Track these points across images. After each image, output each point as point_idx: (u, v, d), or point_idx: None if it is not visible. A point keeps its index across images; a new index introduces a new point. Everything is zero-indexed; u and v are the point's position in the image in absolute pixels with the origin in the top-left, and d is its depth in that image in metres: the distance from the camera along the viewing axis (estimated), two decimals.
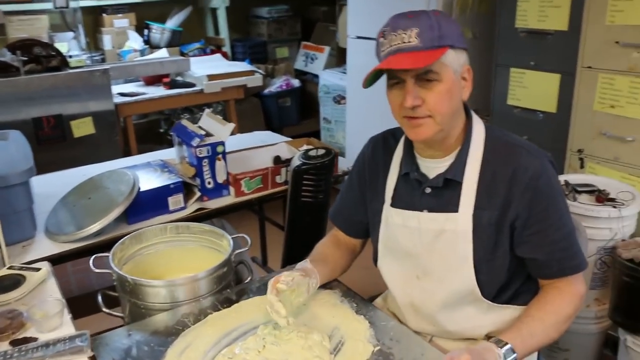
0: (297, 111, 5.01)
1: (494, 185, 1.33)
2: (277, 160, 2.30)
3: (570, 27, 2.59)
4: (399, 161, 1.46)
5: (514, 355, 1.23)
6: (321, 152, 2.11)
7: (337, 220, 1.67)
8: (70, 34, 4.25)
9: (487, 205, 1.33)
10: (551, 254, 1.34)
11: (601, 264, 2.13)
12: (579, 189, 2.17)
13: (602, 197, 2.11)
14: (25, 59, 3.21)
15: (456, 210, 1.35)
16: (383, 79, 1.33)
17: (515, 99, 2.92)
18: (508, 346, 1.24)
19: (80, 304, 1.68)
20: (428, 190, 1.39)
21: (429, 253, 1.40)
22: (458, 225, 1.34)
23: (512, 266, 1.38)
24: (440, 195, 1.37)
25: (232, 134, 2.13)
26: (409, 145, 1.44)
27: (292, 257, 2.15)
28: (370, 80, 1.32)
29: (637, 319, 1.94)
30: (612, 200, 2.10)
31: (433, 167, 1.39)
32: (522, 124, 2.86)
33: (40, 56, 3.29)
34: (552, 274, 1.36)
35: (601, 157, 2.49)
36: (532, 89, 2.84)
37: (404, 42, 1.24)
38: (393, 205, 1.45)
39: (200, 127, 2.19)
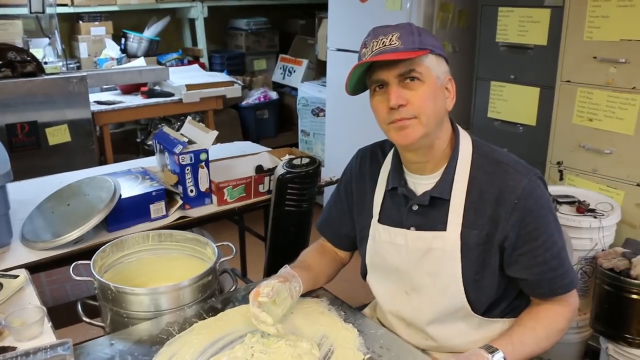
0: (275, 123, 5.00)
1: (482, 204, 1.31)
2: (260, 169, 2.28)
3: (549, 42, 2.64)
4: (386, 175, 1.45)
5: None
6: (305, 161, 2.10)
7: (324, 231, 1.65)
8: (46, 40, 4.17)
9: (475, 225, 1.32)
10: (542, 274, 1.32)
11: (582, 273, 2.15)
12: (560, 200, 2.20)
13: (582, 208, 2.14)
14: None
15: (444, 229, 1.33)
16: (365, 93, 1.33)
17: (495, 112, 2.96)
18: (499, 353, 1.23)
19: (57, 315, 1.62)
20: (415, 207, 1.37)
21: (417, 270, 1.38)
22: (446, 244, 1.33)
23: (502, 284, 1.36)
24: (428, 212, 1.36)
25: (213, 143, 2.10)
26: (398, 160, 1.42)
27: (274, 268, 2.12)
28: (353, 87, 1.32)
29: (619, 328, 1.96)
30: (592, 211, 2.13)
31: (420, 183, 1.38)
32: (502, 137, 2.89)
33: (15, 61, 3.22)
34: (544, 294, 1.36)
35: (580, 169, 2.53)
36: (512, 102, 2.88)
37: (385, 45, 1.25)
38: (380, 221, 1.44)
39: (182, 135, 2.16)
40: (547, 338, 1.33)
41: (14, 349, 1.26)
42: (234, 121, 4.73)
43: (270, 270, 2.26)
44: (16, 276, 1.54)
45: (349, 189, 1.55)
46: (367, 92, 1.35)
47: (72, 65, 4.24)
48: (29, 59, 3.27)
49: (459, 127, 1.40)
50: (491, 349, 1.24)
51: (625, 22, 2.28)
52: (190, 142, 2.09)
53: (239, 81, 4.30)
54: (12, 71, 3.18)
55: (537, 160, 2.66)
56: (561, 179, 2.60)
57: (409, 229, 1.38)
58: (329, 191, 2.32)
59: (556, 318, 1.35)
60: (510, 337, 1.29)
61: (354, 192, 1.53)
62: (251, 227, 2.78)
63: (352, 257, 1.67)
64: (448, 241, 1.33)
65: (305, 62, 4.86)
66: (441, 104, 1.31)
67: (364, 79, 1.32)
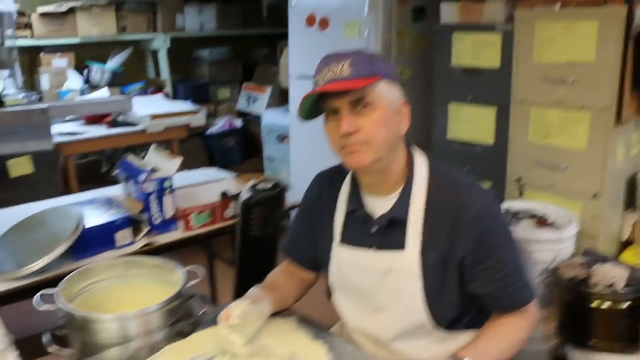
0: (241, 150, 5.01)
1: (439, 224, 1.34)
2: (225, 195, 2.30)
3: (502, 65, 2.72)
4: (345, 198, 1.46)
5: None
6: (269, 185, 2.12)
7: (290, 252, 1.66)
8: (6, 72, 4.13)
9: (433, 245, 1.34)
10: (501, 289, 1.36)
11: (545, 285, 2.21)
12: (520, 215, 2.26)
13: (542, 221, 2.20)
14: None
15: (403, 248, 1.36)
16: (321, 117, 1.36)
17: (454, 133, 3.03)
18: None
19: (23, 347, 1.59)
20: (374, 229, 1.39)
21: (380, 289, 1.40)
22: (406, 264, 1.35)
23: (463, 300, 1.39)
24: (387, 233, 1.38)
25: (178, 170, 2.11)
26: (355, 182, 1.44)
27: (243, 292, 2.13)
28: (307, 112, 1.35)
29: (583, 335, 2.02)
30: (552, 224, 2.20)
31: (378, 205, 1.40)
32: (462, 157, 2.96)
33: None
34: (504, 308, 1.39)
35: (539, 184, 2.61)
36: (470, 123, 2.95)
37: (336, 74, 1.27)
38: (343, 241, 1.46)
39: (146, 163, 2.17)
40: (509, 348, 1.37)
41: None
42: (199, 150, 4.74)
43: (240, 293, 2.25)
44: None
45: (310, 213, 1.57)
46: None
47: (33, 98, 4.19)
48: None
49: (415, 149, 1.42)
50: (457, 358, 1.27)
51: (571, 44, 2.39)
52: (154, 170, 2.10)
53: (202, 109, 4.31)
54: None
55: (497, 178, 2.74)
56: (521, 194, 2.67)
57: (370, 248, 1.40)
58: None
59: (517, 329, 1.39)
60: (475, 347, 1.33)
61: (315, 215, 1.55)
62: (221, 251, 2.78)
63: (318, 277, 1.69)
64: (407, 261, 1.35)
65: (269, 89, 4.91)
66: (394, 129, 1.32)
67: (317, 104, 1.33)
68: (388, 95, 1.30)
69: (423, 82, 3.35)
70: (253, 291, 1.50)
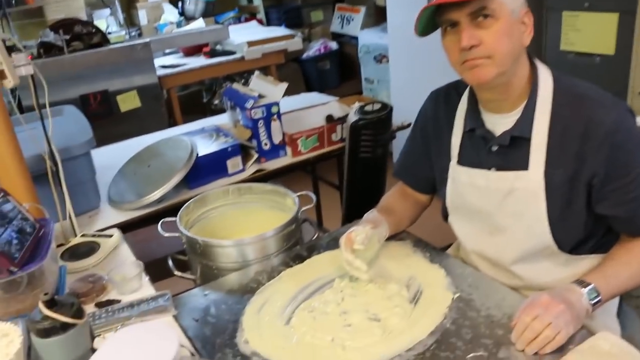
0: (337, 74, 4.94)
1: (565, 141, 1.24)
2: (330, 118, 2.26)
3: None
4: (463, 116, 1.39)
5: (598, 296, 1.17)
6: (377, 106, 2.07)
7: (402, 176, 1.63)
8: (107, 11, 4.25)
9: (559, 163, 1.25)
10: (633, 210, 1.25)
11: None
12: None
13: None
14: (68, 37, 3.23)
15: (526, 168, 1.28)
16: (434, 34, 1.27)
17: (569, 43, 2.79)
18: (591, 286, 1.18)
19: (148, 271, 1.69)
20: (495, 148, 1.32)
21: (500, 211, 1.34)
22: (529, 184, 1.27)
23: (589, 221, 1.30)
24: (508, 152, 1.30)
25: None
26: (474, 99, 1.36)
27: (351, 215, 2.13)
28: (423, 28, 1.26)
29: None
30: None
31: (499, 122, 1.31)
32: (578, 69, 2.73)
33: (82, 34, 3.31)
34: (636, 231, 1.28)
35: None
36: (586, 32, 2.70)
37: None
38: (459, 162, 1.39)
39: (251, 90, 2.16)
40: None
41: (118, 301, 1.32)
42: (296, 75, 4.71)
43: (348, 217, 2.27)
44: (110, 235, 1.60)
45: (424, 132, 1.51)
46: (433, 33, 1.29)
47: (133, 33, 4.31)
48: (94, 30, 3.35)
49: (538, 62, 1.31)
50: (583, 283, 1.19)
51: None
52: (260, 96, 2.09)
53: (298, 33, 4.25)
54: (80, 44, 3.26)
55: (618, 91, 2.51)
56: None
57: (489, 169, 1.33)
58: (400, 137, 2.29)
59: None
60: (603, 272, 1.24)
61: (431, 135, 1.49)
62: (324, 175, 2.78)
63: (432, 200, 1.64)
64: (531, 181, 1.27)
65: (363, 8, 4.74)
66: (517, 40, 1.23)
67: (434, 18, 1.25)
68: (511, 2, 1.20)
69: None
70: (370, 215, 1.48)
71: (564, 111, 1.25)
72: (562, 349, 1.08)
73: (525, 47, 1.27)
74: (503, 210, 1.33)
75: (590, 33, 2.70)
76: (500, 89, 1.27)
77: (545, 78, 1.28)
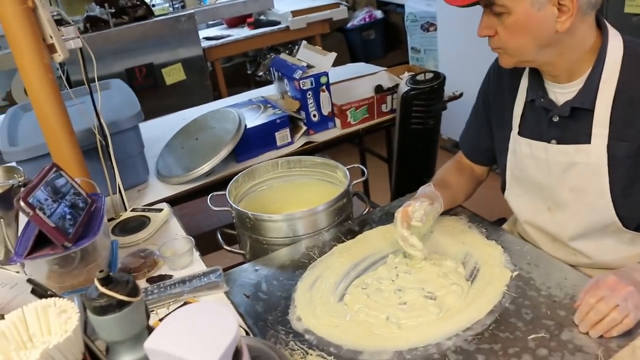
0: (382, 43, 4.84)
1: (632, 113, 1.15)
2: (379, 89, 2.20)
3: None
4: (526, 85, 1.32)
5: None
6: (429, 76, 1.99)
7: (463, 145, 1.58)
8: None
9: (624, 136, 1.16)
10: None
11: None
12: None
13: None
14: (113, 11, 3.23)
15: (588, 142, 1.20)
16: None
17: (634, 5, 2.64)
18: None
19: (195, 244, 1.69)
20: (556, 118, 1.24)
21: (560, 186, 1.27)
22: (590, 158, 1.20)
23: None
24: (569, 124, 1.22)
25: None
26: (537, 69, 1.28)
27: (401, 189, 2.08)
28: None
29: None
30: None
31: (560, 92, 1.24)
32: None
33: (126, 7, 3.31)
34: None
35: None
36: None
37: None
38: (520, 133, 1.33)
39: (299, 60, 2.11)
40: None
41: (170, 277, 1.31)
42: (341, 44, 4.63)
43: (398, 190, 2.21)
44: (160, 210, 1.59)
45: (487, 101, 1.45)
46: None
47: (177, 5, 4.29)
48: (138, 3, 3.34)
49: (609, 27, 1.20)
50: None
51: None
52: (309, 66, 2.04)
53: (343, 2, 4.16)
54: (125, 17, 3.26)
55: None
56: None
57: (549, 142, 1.26)
58: (452, 107, 2.21)
59: None
60: None
61: (492, 103, 1.43)
62: (372, 147, 2.72)
63: (489, 174, 1.58)
64: (593, 155, 1.20)
65: None
66: (541, 30, 1.12)
67: None
68: None
69: None
70: (427, 189, 1.43)
71: (633, 81, 1.16)
72: (630, 333, 1.02)
73: (563, 32, 1.12)
74: (563, 185, 1.27)
75: None
76: (543, 68, 1.22)
77: (615, 44, 1.18)
